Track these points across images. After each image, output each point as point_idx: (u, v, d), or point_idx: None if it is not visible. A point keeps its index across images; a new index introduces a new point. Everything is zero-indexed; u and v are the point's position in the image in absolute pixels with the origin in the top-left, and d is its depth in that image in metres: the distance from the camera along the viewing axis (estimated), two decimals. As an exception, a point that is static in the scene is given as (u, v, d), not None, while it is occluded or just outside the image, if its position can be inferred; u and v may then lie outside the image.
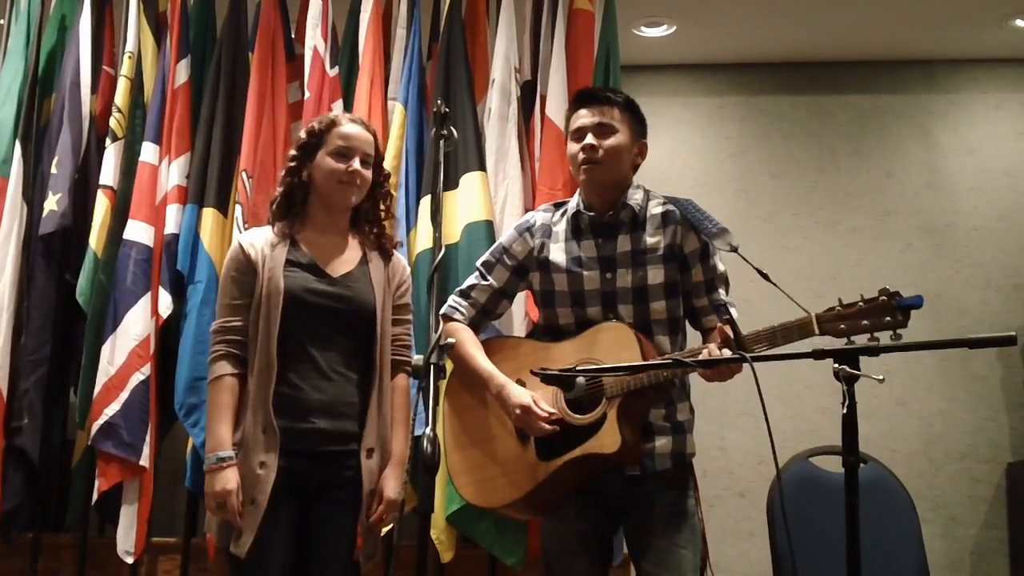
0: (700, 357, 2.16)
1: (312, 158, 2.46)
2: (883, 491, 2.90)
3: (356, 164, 2.43)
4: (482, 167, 3.49)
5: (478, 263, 2.60)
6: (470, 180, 3.45)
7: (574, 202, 2.50)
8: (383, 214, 2.57)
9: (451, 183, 3.43)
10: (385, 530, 2.50)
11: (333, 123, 2.47)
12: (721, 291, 2.45)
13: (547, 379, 2.18)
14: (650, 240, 2.41)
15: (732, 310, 2.41)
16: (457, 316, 2.53)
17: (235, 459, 2.29)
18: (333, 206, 2.47)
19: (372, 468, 2.37)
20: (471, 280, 2.58)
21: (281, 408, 2.31)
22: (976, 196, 4.68)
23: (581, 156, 2.42)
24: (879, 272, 4.56)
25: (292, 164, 2.48)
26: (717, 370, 2.18)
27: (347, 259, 2.47)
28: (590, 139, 2.41)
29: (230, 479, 2.27)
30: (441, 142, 2.25)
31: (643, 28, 4.57)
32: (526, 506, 2.40)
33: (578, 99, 2.53)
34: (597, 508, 2.39)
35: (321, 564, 2.33)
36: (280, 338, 2.33)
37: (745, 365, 1.91)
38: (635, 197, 2.45)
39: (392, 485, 2.38)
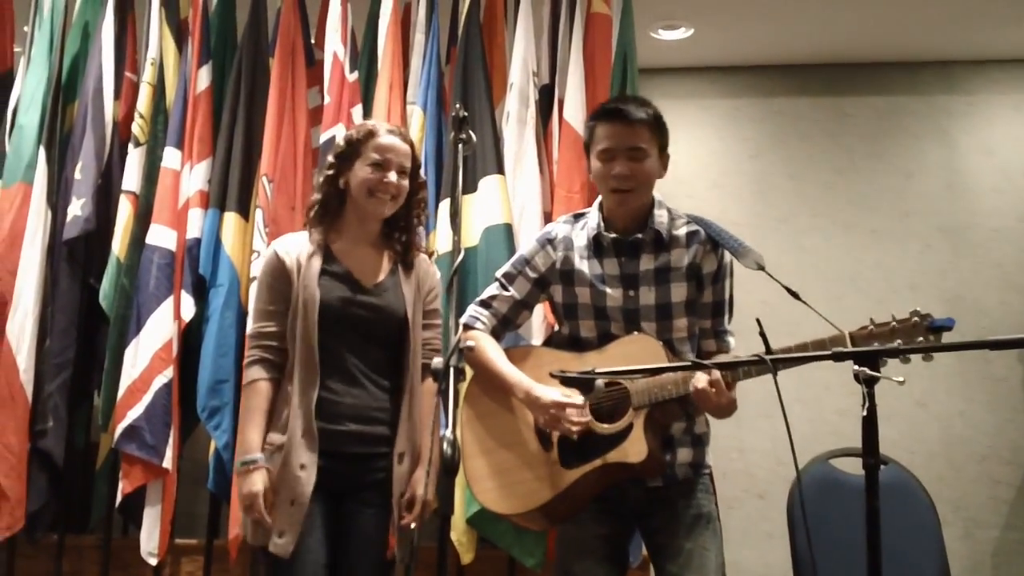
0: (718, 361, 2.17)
1: (349, 167, 2.47)
2: (903, 493, 2.90)
3: (392, 176, 2.44)
4: (500, 170, 3.50)
5: (499, 274, 2.57)
6: (489, 183, 3.47)
7: (594, 220, 2.46)
8: (415, 221, 2.57)
9: (470, 186, 3.44)
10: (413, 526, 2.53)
11: (371, 134, 2.48)
12: (725, 317, 2.46)
13: (566, 382, 2.18)
14: (674, 259, 2.39)
15: (731, 339, 2.45)
16: (478, 326, 2.51)
17: (262, 463, 2.34)
18: (366, 216, 2.49)
19: (403, 472, 2.41)
20: (491, 290, 2.55)
21: (318, 412, 2.36)
22: (996, 197, 4.66)
23: (613, 183, 2.37)
24: (898, 273, 4.54)
25: (330, 172, 2.50)
26: (711, 399, 2.19)
27: (379, 268, 2.50)
28: (622, 165, 2.35)
29: (257, 482, 2.32)
30: (460, 146, 2.27)
31: (660, 31, 4.58)
32: (545, 514, 2.38)
33: (606, 114, 2.42)
34: (615, 514, 2.39)
35: (352, 563, 2.37)
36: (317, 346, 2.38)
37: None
38: (660, 218, 2.42)
39: (423, 486, 2.41)
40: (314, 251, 2.46)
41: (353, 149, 2.48)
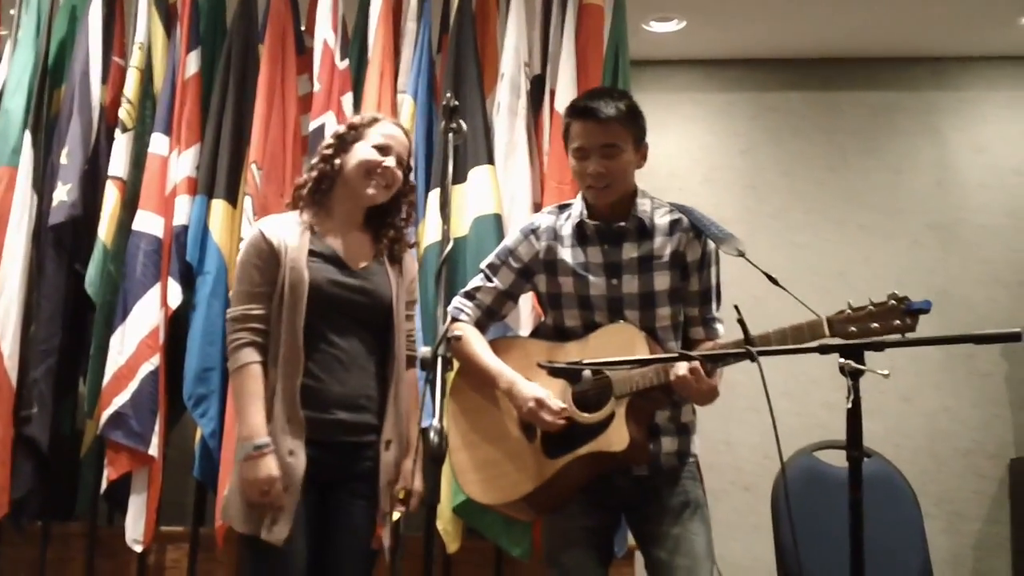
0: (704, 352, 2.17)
1: (348, 149, 2.47)
2: (887, 486, 2.91)
3: (390, 161, 2.45)
4: (491, 161, 3.49)
5: (483, 265, 2.58)
6: (479, 173, 3.45)
7: (577, 209, 2.47)
8: (403, 222, 2.57)
9: (460, 176, 3.43)
10: (396, 516, 2.53)
11: (376, 120, 2.52)
12: (713, 304, 2.46)
13: (554, 372, 2.19)
14: (657, 247, 2.40)
15: (719, 326, 2.44)
16: (463, 317, 2.52)
17: (272, 447, 2.27)
18: (357, 199, 2.47)
19: (389, 460, 2.40)
20: (476, 282, 2.57)
21: (304, 399, 2.31)
22: (985, 193, 4.67)
23: (588, 181, 2.38)
24: (887, 269, 4.56)
25: (327, 152, 2.49)
26: (691, 386, 2.18)
27: (365, 253, 2.49)
28: (595, 164, 2.35)
29: (272, 466, 2.24)
30: (450, 135, 2.25)
31: (653, 23, 4.57)
32: (531, 504, 2.39)
33: (577, 112, 2.41)
34: (602, 506, 2.40)
35: (338, 553, 2.35)
36: (303, 329, 2.34)
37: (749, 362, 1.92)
38: (643, 207, 2.42)
39: (418, 477, 2.41)
40: (302, 231, 2.43)
41: (356, 132, 2.49)
